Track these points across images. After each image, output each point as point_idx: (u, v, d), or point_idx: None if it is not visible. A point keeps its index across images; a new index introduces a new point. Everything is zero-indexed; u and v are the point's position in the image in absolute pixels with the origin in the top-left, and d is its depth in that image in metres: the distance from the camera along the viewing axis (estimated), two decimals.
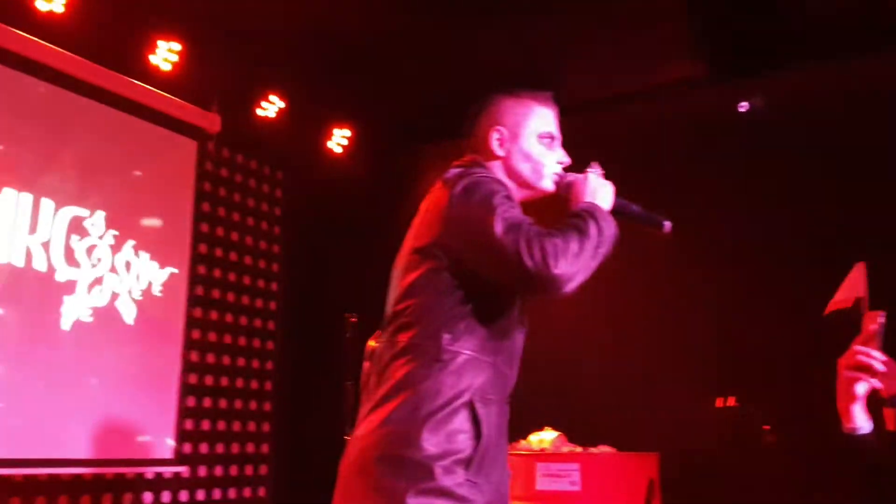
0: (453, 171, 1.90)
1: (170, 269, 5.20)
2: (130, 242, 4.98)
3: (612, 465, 4.35)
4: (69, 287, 4.62)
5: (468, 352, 1.76)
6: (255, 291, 5.91)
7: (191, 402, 5.26)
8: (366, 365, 1.92)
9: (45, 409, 4.37)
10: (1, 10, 4.28)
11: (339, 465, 1.81)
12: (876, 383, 1.58)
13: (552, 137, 1.99)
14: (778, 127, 4.73)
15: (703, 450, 4.51)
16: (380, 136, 5.93)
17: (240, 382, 5.67)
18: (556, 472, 4.20)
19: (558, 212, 1.86)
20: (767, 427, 4.28)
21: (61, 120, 4.67)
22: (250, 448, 5.68)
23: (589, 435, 4.50)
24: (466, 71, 4.80)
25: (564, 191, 1.94)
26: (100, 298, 4.78)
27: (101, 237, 4.82)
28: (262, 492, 5.72)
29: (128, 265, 4.95)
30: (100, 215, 4.82)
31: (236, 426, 5.59)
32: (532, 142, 1.97)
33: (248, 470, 5.64)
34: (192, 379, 5.30)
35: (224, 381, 5.55)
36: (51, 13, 4.34)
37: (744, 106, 4.85)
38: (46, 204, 4.55)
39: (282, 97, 5.58)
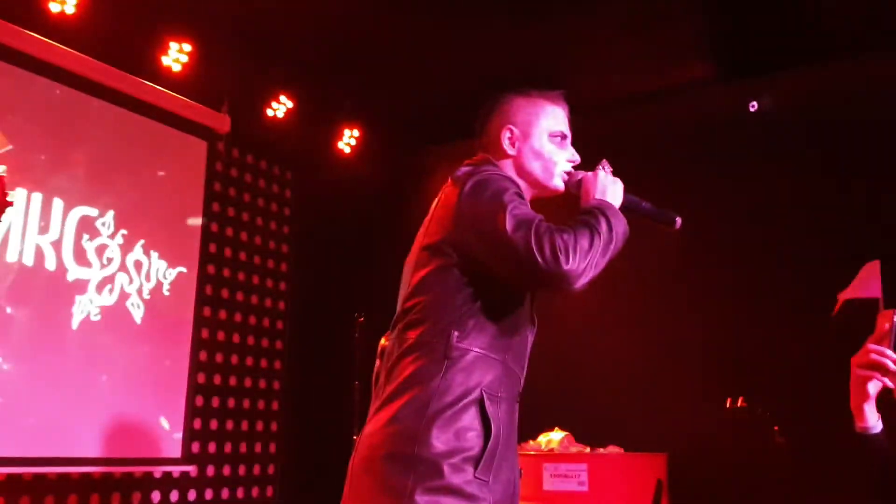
0: (463, 170, 1.90)
1: (179, 269, 5.22)
2: (140, 242, 5.00)
3: (620, 466, 4.35)
4: (79, 286, 4.65)
5: (477, 349, 1.76)
6: (264, 291, 5.92)
7: (199, 401, 5.28)
8: (377, 363, 1.92)
9: (54, 408, 4.39)
10: (13, 12, 4.31)
11: (349, 463, 1.81)
12: (888, 382, 1.58)
13: (563, 136, 2.00)
14: (787, 127, 4.72)
15: (712, 450, 4.49)
16: (389, 136, 5.94)
17: (248, 382, 5.68)
18: (564, 473, 4.20)
19: (570, 210, 1.87)
20: (777, 428, 4.27)
21: (72, 120, 4.70)
22: (258, 447, 5.69)
23: (597, 435, 4.50)
24: (475, 71, 4.80)
25: (575, 189, 1.95)
26: (109, 298, 4.80)
27: (111, 237, 4.85)
28: (269, 491, 5.73)
29: (138, 265, 4.97)
30: (110, 215, 4.84)
31: (244, 425, 5.61)
32: (543, 140, 1.97)
33: (256, 469, 5.66)
34: (201, 378, 5.32)
35: (232, 381, 5.56)
36: (62, 14, 4.36)
37: (754, 106, 4.85)
38: (57, 203, 4.58)
39: (291, 97, 5.59)
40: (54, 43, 4.50)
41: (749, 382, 4.42)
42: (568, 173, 1.98)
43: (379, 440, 1.73)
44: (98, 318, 4.71)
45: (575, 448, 4.43)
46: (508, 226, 1.70)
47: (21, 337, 4.33)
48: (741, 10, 4.41)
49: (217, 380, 5.45)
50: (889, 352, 1.57)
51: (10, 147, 4.35)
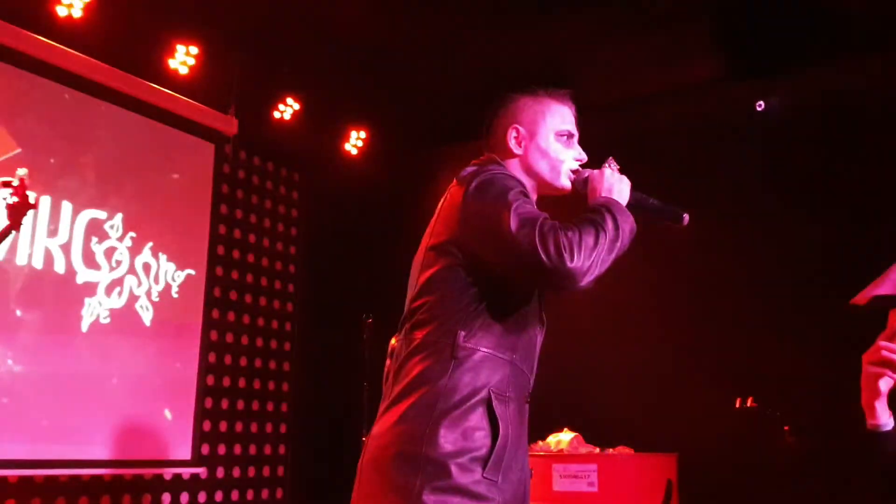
0: (468, 169, 1.90)
1: (188, 271, 5.24)
2: (149, 244, 5.01)
3: (630, 466, 4.33)
4: (89, 289, 4.66)
5: (484, 349, 1.76)
6: (272, 293, 5.93)
7: (209, 403, 5.29)
8: (388, 362, 1.92)
9: (65, 410, 4.40)
10: (21, 16, 4.32)
11: (358, 464, 1.81)
12: None
13: (570, 135, 1.99)
14: (796, 125, 4.70)
15: (723, 451, 4.48)
16: (396, 137, 5.94)
17: (257, 384, 5.69)
18: (574, 473, 4.19)
19: (578, 209, 1.86)
20: (787, 427, 4.25)
21: (80, 123, 4.71)
22: (268, 449, 5.70)
23: (606, 436, 4.48)
24: (483, 72, 4.80)
25: (582, 187, 1.94)
26: (119, 300, 4.81)
27: (120, 239, 4.86)
28: (279, 493, 5.74)
29: (146, 267, 4.98)
30: (118, 218, 4.86)
31: (254, 427, 5.61)
32: (550, 139, 1.97)
33: (266, 471, 5.66)
34: (210, 380, 5.32)
35: (241, 383, 5.57)
36: (69, 18, 4.39)
37: (761, 105, 4.83)
38: (66, 207, 4.59)
39: (298, 100, 5.60)
40: (62, 46, 4.52)
41: (759, 382, 4.40)
42: (575, 172, 1.97)
43: (387, 440, 1.73)
44: (107, 320, 4.72)
45: (585, 449, 4.42)
46: (513, 224, 1.70)
47: (31, 339, 4.35)
48: (750, 9, 4.39)
49: (226, 382, 5.46)
50: None
51: (19, 150, 4.39)
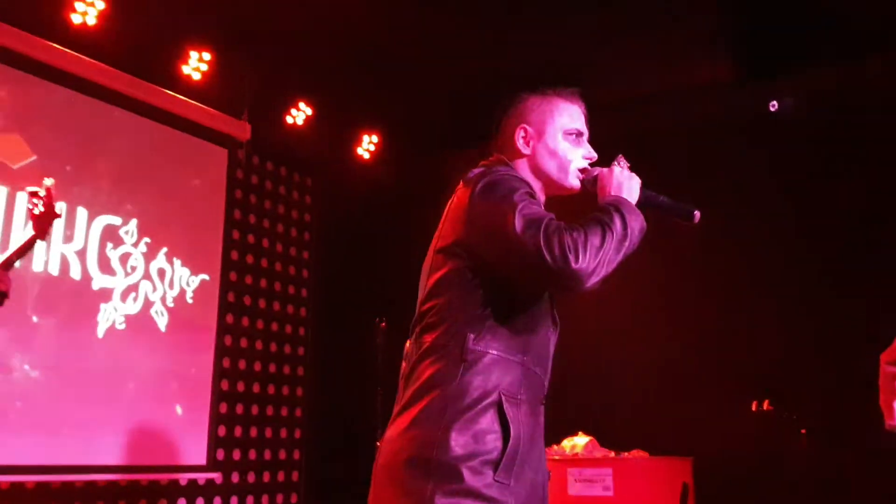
0: (475, 171, 1.89)
1: (202, 276, 5.26)
2: (164, 250, 5.04)
3: (645, 470, 4.31)
4: (104, 295, 4.69)
5: (494, 351, 1.75)
6: (286, 297, 5.95)
7: (223, 408, 5.31)
8: (403, 365, 1.92)
9: (80, 416, 4.43)
10: (35, 24, 4.36)
11: (372, 469, 1.81)
12: None
13: (579, 134, 1.98)
14: (808, 126, 4.68)
15: (738, 454, 4.45)
16: (408, 141, 5.95)
17: (271, 389, 5.70)
18: (589, 478, 4.17)
19: (589, 209, 1.85)
20: (804, 430, 4.21)
21: (94, 130, 4.74)
22: (283, 454, 5.71)
23: (621, 439, 4.46)
24: (495, 75, 4.79)
25: (591, 186, 1.92)
26: (134, 306, 4.84)
27: (135, 245, 4.89)
28: (293, 498, 5.75)
29: (161, 273, 5.01)
30: (133, 223, 4.89)
31: (268, 432, 5.62)
32: (558, 139, 1.95)
33: (280, 476, 5.67)
34: (225, 385, 5.34)
35: (256, 388, 5.59)
36: (84, 25, 4.42)
37: (774, 105, 4.81)
38: (81, 213, 4.62)
39: (310, 105, 5.62)
40: (77, 54, 4.55)
41: (775, 385, 4.38)
42: (584, 171, 1.95)
43: (399, 445, 1.73)
44: (123, 326, 4.75)
45: (599, 453, 4.40)
46: (518, 226, 1.69)
47: (48, 345, 4.37)
48: (762, 10, 4.37)
49: (241, 387, 5.47)
50: None
51: (34, 157, 4.42)
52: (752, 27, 4.56)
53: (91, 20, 4.43)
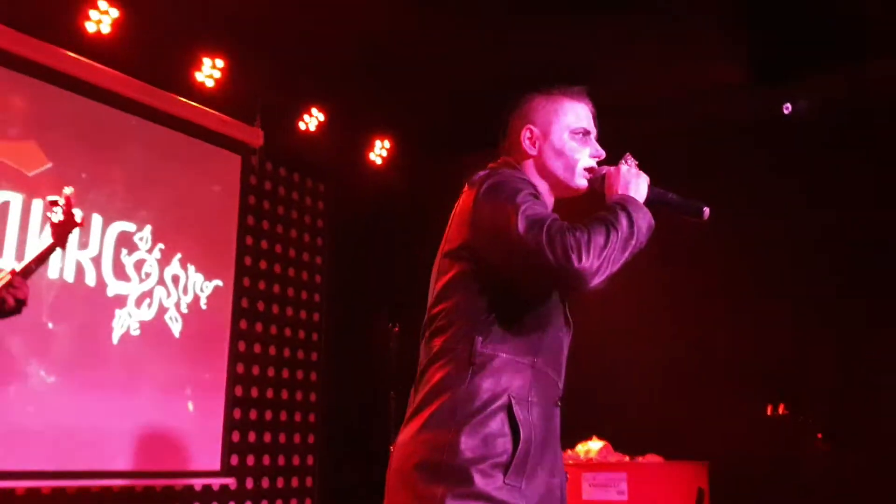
0: (480, 173, 1.89)
1: (216, 282, 5.28)
2: (178, 256, 5.06)
3: (660, 475, 4.29)
4: (119, 301, 4.71)
5: (503, 354, 1.74)
6: (299, 303, 5.96)
7: (237, 413, 5.32)
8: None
9: (95, 421, 4.45)
10: (51, 32, 4.40)
11: (386, 473, 1.81)
12: None
13: (586, 132, 1.96)
14: (822, 129, 4.65)
15: (754, 459, 4.42)
16: (420, 146, 5.96)
17: (285, 394, 5.71)
18: (604, 482, 4.16)
19: (598, 209, 1.84)
20: (820, 435, 4.19)
21: (109, 137, 4.77)
22: (296, 460, 5.71)
23: (636, 444, 4.44)
24: (507, 78, 4.79)
25: (599, 186, 1.91)
26: (148, 312, 4.86)
27: (149, 251, 4.91)
28: (307, 503, 5.75)
29: (175, 279, 5.03)
30: (147, 230, 4.91)
31: (282, 438, 5.63)
32: (564, 138, 1.94)
33: (294, 482, 5.68)
34: (239, 391, 5.35)
35: (269, 393, 5.60)
36: (98, 34, 4.46)
37: (787, 108, 4.79)
38: (96, 219, 4.65)
39: (322, 111, 5.64)
40: (91, 61, 4.59)
41: (790, 388, 4.35)
42: (591, 170, 1.94)
43: (410, 449, 1.73)
44: (138, 332, 4.77)
45: (614, 457, 4.38)
46: (520, 227, 1.68)
47: (63, 352, 4.40)
48: (775, 13, 4.36)
49: (254, 392, 5.48)
50: None
51: (49, 165, 4.46)
52: (763, 29, 4.54)
53: (105, 28, 4.47)
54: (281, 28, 4.71)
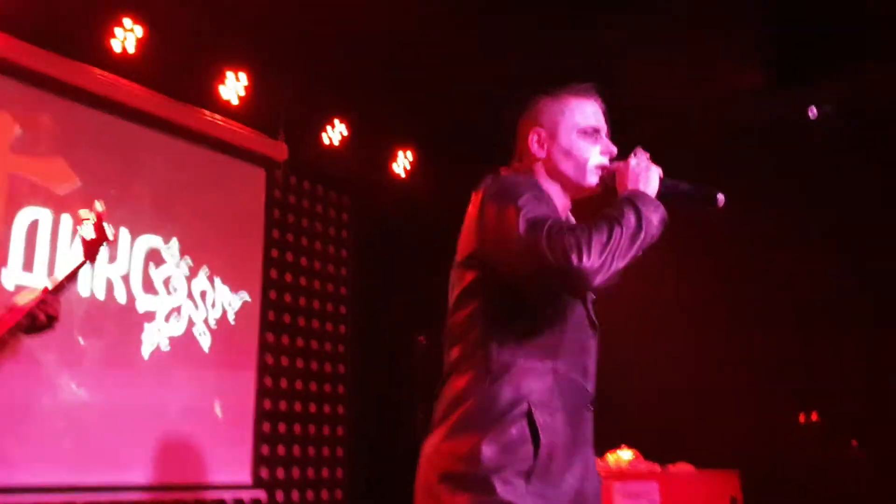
0: (487, 179, 1.88)
1: (243, 296, 5.31)
2: (205, 270, 5.11)
3: (691, 484, 4.25)
4: (148, 316, 4.76)
5: (521, 360, 1.73)
6: (325, 315, 5.97)
7: (266, 427, 5.33)
8: None
9: (126, 435, 4.48)
10: (77, 51, 4.46)
11: (414, 485, 1.81)
12: None
13: (595, 130, 1.94)
14: (848, 133, 4.59)
15: (787, 467, 4.36)
16: (443, 156, 5.96)
17: (313, 407, 5.72)
18: (635, 492, 4.12)
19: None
20: (855, 442, 4.12)
21: (136, 153, 4.83)
22: (325, 472, 5.72)
23: (666, 452, 4.40)
24: (529, 89, 4.79)
25: (612, 182, 1.88)
26: (177, 327, 4.90)
27: (177, 265, 4.96)
28: None
29: (203, 294, 5.07)
30: (175, 244, 4.96)
31: (311, 451, 5.64)
32: (572, 138, 1.92)
33: (324, 494, 5.68)
34: (267, 404, 5.37)
35: (297, 406, 5.61)
36: (124, 52, 4.52)
37: (813, 112, 4.73)
38: (124, 234, 4.70)
39: (345, 123, 5.67)
40: (117, 79, 4.65)
41: (823, 395, 4.29)
42: (603, 167, 1.91)
43: (433, 461, 1.74)
44: (167, 347, 4.81)
45: (644, 467, 4.34)
46: (521, 229, 1.68)
47: (94, 368, 4.44)
48: (799, 15, 4.32)
49: (283, 406, 5.50)
50: None
51: (78, 182, 4.51)
52: (785, 33, 4.50)
53: (130, 46, 4.53)
54: (304, 42, 4.75)
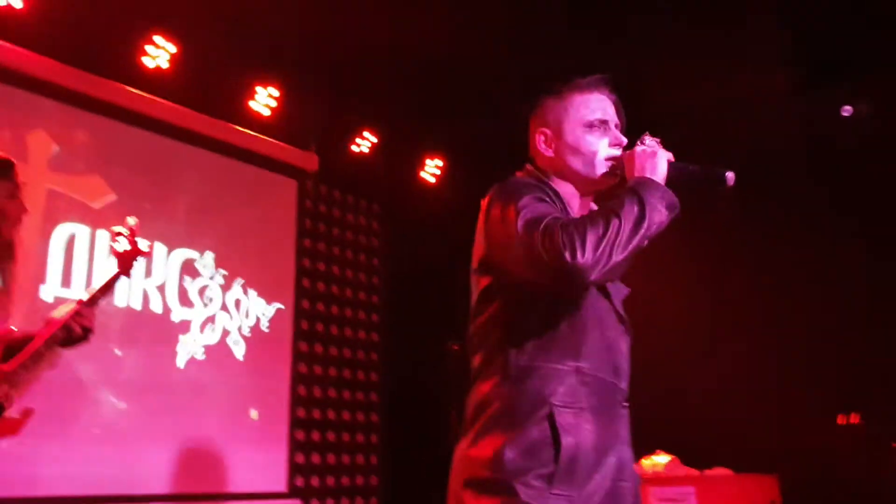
0: (494, 186, 1.88)
1: (276, 305, 5.37)
2: (239, 281, 5.17)
3: (729, 488, 4.20)
4: (183, 327, 4.82)
5: (540, 363, 1.73)
6: (357, 323, 6.00)
7: (300, 435, 5.37)
8: None
9: (163, 445, 4.54)
10: (111, 69, 4.56)
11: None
12: None
13: (601, 122, 1.91)
14: (885, 132, 4.53)
15: (827, 470, 4.29)
16: (472, 162, 5.97)
17: (346, 415, 5.75)
18: (672, 497, 4.08)
19: None
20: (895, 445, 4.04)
21: (170, 167, 4.92)
22: (360, 480, 5.74)
23: (703, 457, 4.35)
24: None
25: (622, 172, 1.85)
26: (212, 336, 4.96)
27: (211, 277, 5.03)
28: None
29: (237, 303, 5.13)
30: (209, 256, 5.03)
31: (345, 459, 5.66)
32: (578, 133, 1.90)
33: (359, 502, 5.69)
34: (301, 413, 5.41)
35: (331, 414, 5.64)
36: (157, 69, 4.61)
37: (847, 110, 4.67)
38: (159, 248, 4.78)
39: (374, 132, 5.71)
40: (150, 96, 4.73)
41: (863, 396, 4.22)
42: (613, 158, 1.88)
43: (460, 468, 1.75)
44: (203, 356, 4.87)
45: (682, 471, 4.30)
46: (519, 229, 1.68)
47: (131, 378, 4.51)
48: (831, 14, 4.27)
49: (317, 414, 5.53)
50: None
51: (114, 197, 4.60)
52: (815, 33, 4.46)
53: (163, 63, 4.61)
54: (331, 53, 4.79)
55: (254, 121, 5.19)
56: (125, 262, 2.84)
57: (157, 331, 4.69)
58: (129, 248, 2.83)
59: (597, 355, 1.78)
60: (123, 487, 4.34)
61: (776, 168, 4.79)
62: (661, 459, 4.34)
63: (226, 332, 5.04)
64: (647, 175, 1.76)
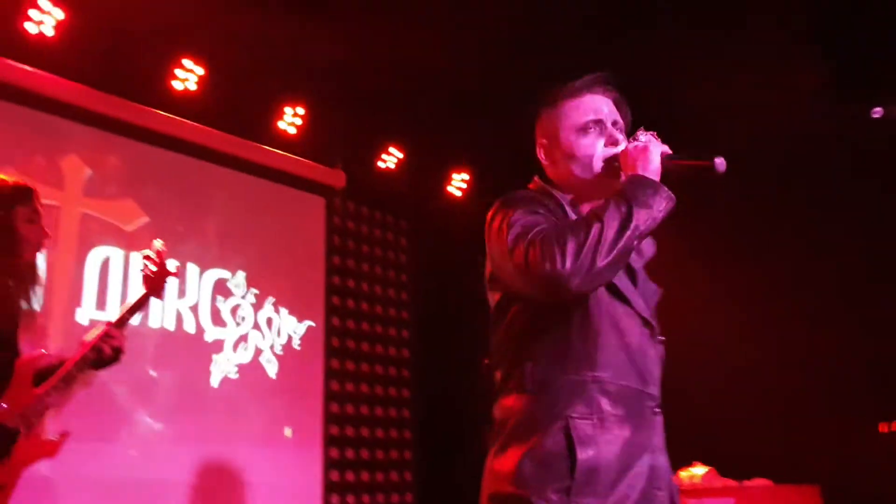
0: (496, 202, 1.89)
1: (307, 323, 5.39)
2: (270, 299, 5.21)
3: (770, 499, 4.13)
4: (216, 346, 4.86)
5: (556, 374, 1.72)
6: (388, 340, 6.01)
7: (334, 453, 5.38)
8: None
9: (198, 464, 4.57)
10: (141, 94, 4.63)
11: None
12: None
13: (596, 122, 1.88)
14: None
15: (869, 479, 4.20)
16: (498, 175, 5.97)
17: (379, 433, 5.75)
18: None
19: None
20: None
21: (200, 188, 4.98)
22: (394, 498, 5.72)
23: (742, 467, 4.28)
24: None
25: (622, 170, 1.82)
26: (245, 355, 5.00)
27: (243, 296, 5.07)
28: None
29: (269, 322, 5.17)
30: (241, 275, 5.07)
31: (379, 477, 5.66)
32: (572, 139, 1.88)
33: None
34: (334, 430, 5.42)
35: (364, 432, 5.64)
36: (186, 91, 4.68)
37: (878, 112, 4.60)
38: (192, 269, 4.83)
39: (400, 148, 5.74)
40: (180, 118, 4.80)
41: None
42: (611, 157, 1.84)
43: (484, 484, 1.77)
44: (236, 375, 4.90)
45: (720, 482, 4.23)
46: (509, 243, 1.69)
47: (166, 398, 4.55)
48: (859, 15, 4.22)
49: (350, 431, 5.54)
50: None
51: (146, 219, 4.66)
52: (847, 33, 4.41)
53: (191, 86, 4.68)
54: (355, 71, 4.83)
55: (281, 140, 5.25)
56: (155, 284, 2.88)
57: (190, 351, 4.73)
58: (157, 269, 2.87)
59: (617, 362, 1.75)
60: None
61: (809, 168, 4.73)
62: (698, 471, 4.28)
63: (258, 351, 5.07)
64: (640, 171, 1.73)
